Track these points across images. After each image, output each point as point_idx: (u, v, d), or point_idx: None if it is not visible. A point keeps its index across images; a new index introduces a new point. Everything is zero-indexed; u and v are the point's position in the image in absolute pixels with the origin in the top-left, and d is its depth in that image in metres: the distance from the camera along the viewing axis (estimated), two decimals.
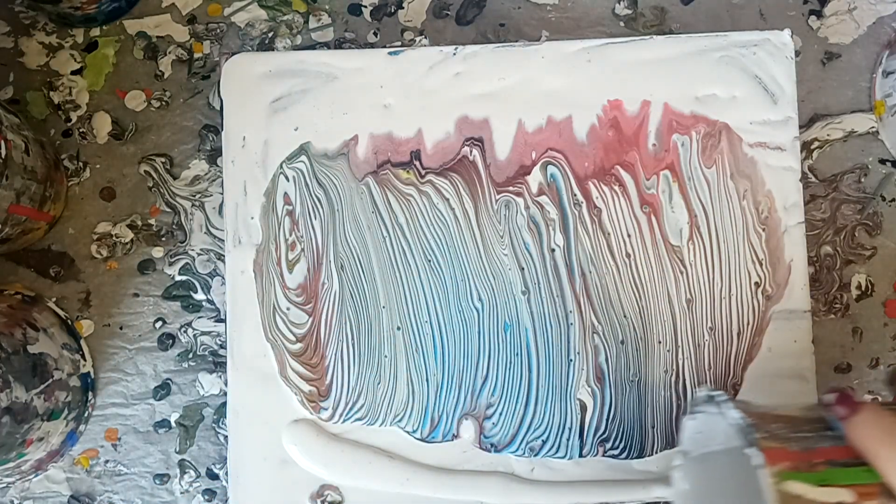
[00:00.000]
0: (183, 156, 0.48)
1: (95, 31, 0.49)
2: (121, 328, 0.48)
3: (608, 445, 0.44)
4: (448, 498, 0.44)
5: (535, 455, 0.44)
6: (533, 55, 0.46)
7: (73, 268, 0.48)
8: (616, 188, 0.45)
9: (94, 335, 0.48)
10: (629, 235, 0.45)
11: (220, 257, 0.48)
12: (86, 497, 0.47)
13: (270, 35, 0.49)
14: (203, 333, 0.48)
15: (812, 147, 0.48)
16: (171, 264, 0.48)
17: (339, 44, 0.49)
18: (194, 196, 0.48)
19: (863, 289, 0.48)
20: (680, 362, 0.45)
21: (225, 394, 0.46)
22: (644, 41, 0.46)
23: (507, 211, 0.45)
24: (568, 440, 0.44)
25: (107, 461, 0.47)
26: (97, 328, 0.48)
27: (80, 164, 0.48)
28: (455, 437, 0.45)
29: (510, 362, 0.45)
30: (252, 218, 0.45)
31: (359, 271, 0.45)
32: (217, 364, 0.47)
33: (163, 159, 0.48)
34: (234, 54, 0.46)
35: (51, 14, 0.48)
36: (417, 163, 0.45)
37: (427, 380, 0.45)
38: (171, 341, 0.48)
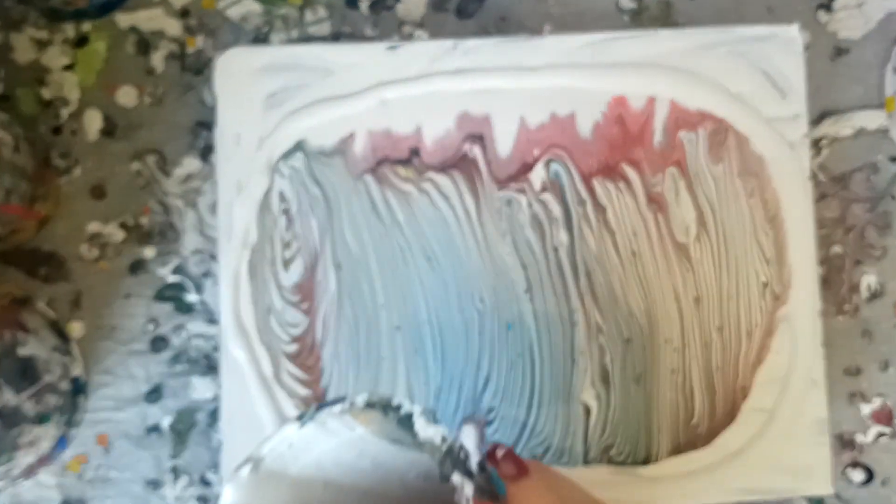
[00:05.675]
0: (175, 153, 0.47)
1: (86, 26, 0.48)
2: (112, 330, 0.47)
3: (612, 451, 0.43)
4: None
5: None
6: (535, 50, 0.45)
7: (64, 268, 0.47)
8: (621, 185, 0.44)
9: (85, 337, 0.47)
10: (635, 234, 0.44)
11: (214, 257, 0.47)
12: (77, 502, 0.46)
13: (265, 29, 0.48)
14: (196, 336, 0.46)
15: (821, 144, 0.47)
16: (163, 265, 0.47)
17: (335, 38, 0.48)
18: (187, 195, 0.47)
19: (873, 290, 0.47)
20: (688, 362, 0.44)
21: (218, 397, 0.45)
22: (649, 35, 0.45)
23: (509, 209, 0.44)
24: (571, 446, 0.43)
25: (98, 466, 0.46)
26: (88, 330, 0.47)
27: (71, 161, 0.47)
28: None
29: (512, 363, 0.44)
30: (247, 217, 0.44)
31: (357, 270, 0.44)
32: (210, 367, 0.46)
33: (155, 157, 0.47)
34: (228, 49, 0.45)
35: (41, 9, 0.47)
36: (417, 160, 0.44)
37: (427, 382, 0.44)
38: (163, 344, 0.47)
